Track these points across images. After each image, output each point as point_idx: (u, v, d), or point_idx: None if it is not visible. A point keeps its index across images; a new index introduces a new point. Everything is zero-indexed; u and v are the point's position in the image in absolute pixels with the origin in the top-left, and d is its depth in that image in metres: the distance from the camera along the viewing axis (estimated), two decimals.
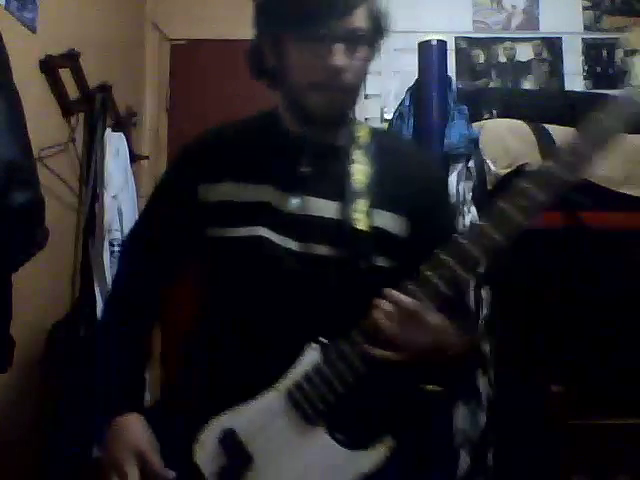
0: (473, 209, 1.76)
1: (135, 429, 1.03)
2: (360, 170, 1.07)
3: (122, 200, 2.01)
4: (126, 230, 1.97)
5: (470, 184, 1.73)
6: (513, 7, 2.88)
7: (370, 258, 1.03)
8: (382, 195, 1.06)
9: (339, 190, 1.05)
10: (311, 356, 0.98)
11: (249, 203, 1.07)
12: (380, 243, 1.04)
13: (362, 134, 1.13)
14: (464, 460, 1.66)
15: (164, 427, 1.04)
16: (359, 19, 1.02)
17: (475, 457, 1.66)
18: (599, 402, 1.95)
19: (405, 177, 1.09)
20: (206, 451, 0.98)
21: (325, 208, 1.05)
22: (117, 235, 1.97)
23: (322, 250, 1.03)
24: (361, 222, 1.02)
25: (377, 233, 1.04)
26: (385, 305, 0.93)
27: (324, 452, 0.97)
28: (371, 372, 0.96)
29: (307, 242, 1.04)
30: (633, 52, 2.82)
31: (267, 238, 1.04)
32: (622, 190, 1.78)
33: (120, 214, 1.98)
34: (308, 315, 1.01)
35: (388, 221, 1.06)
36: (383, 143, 1.14)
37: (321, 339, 0.99)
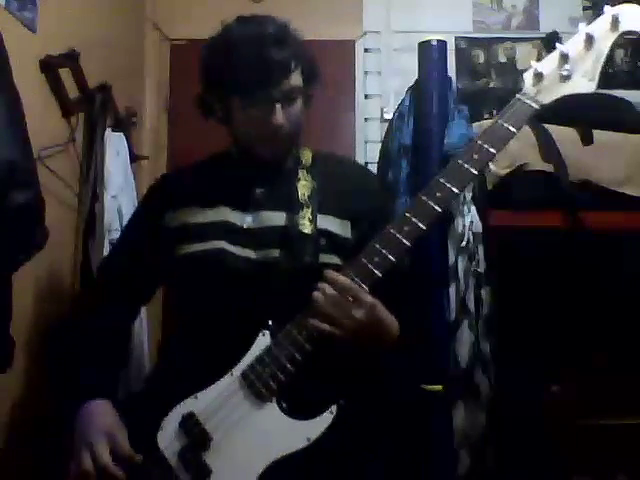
0: (473, 209, 1.76)
1: (105, 412, 1.14)
2: (304, 185, 1.26)
3: (122, 200, 2.01)
4: None
5: (470, 184, 1.73)
6: (513, 7, 2.88)
7: (316, 255, 1.19)
8: (325, 202, 1.24)
9: (287, 202, 1.23)
10: (262, 341, 1.11)
11: (210, 223, 1.24)
12: (326, 242, 1.21)
13: (306, 157, 1.32)
14: (464, 460, 1.66)
15: (132, 414, 1.15)
16: (295, 79, 1.21)
17: (475, 457, 1.66)
18: (599, 402, 1.95)
19: (345, 186, 1.28)
20: (167, 434, 1.09)
21: (275, 218, 1.23)
22: (117, 235, 1.96)
23: (275, 253, 1.19)
24: (306, 226, 1.20)
25: (322, 233, 1.21)
26: (322, 284, 1.07)
27: (275, 424, 1.07)
28: (315, 349, 1.07)
29: (262, 249, 1.20)
30: None
31: (227, 250, 1.20)
32: (622, 190, 1.79)
33: (120, 214, 1.98)
34: (264, 310, 1.14)
35: (331, 223, 1.23)
36: (324, 162, 1.33)
37: (270, 324, 1.11)
